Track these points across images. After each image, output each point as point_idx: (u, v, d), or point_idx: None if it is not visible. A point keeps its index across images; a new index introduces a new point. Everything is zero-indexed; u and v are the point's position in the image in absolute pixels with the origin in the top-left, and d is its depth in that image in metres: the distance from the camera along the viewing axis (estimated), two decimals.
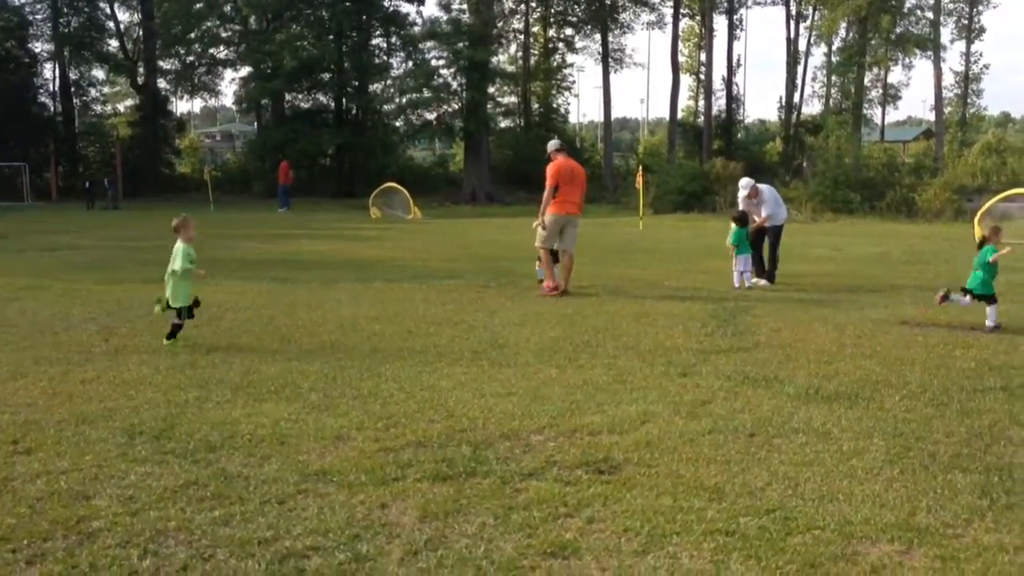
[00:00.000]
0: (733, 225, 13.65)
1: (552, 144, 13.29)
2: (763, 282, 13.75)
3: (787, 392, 7.09)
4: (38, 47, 48.09)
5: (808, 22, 47.76)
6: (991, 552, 4.19)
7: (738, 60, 75.34)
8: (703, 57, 48.79)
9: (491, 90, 45.44)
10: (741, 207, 14.38)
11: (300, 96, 47.94)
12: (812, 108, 50.31)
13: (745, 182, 14.62)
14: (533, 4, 51.79)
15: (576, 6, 51.73)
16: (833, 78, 47.86)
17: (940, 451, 5.65)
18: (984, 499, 4.84)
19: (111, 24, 49.79)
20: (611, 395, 6.99)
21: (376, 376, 7.60)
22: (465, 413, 6.45)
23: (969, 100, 49.87)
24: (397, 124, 47.40)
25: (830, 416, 6.40)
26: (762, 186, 14.54)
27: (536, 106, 51.95)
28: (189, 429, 6.02)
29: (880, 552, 4.20)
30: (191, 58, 50.44)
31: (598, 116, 72.00)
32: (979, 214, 23.50)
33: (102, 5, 48.87)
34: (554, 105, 52.97)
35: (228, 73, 63.07)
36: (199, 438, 5.82)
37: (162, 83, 51.18)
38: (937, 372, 7.81)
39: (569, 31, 52.52)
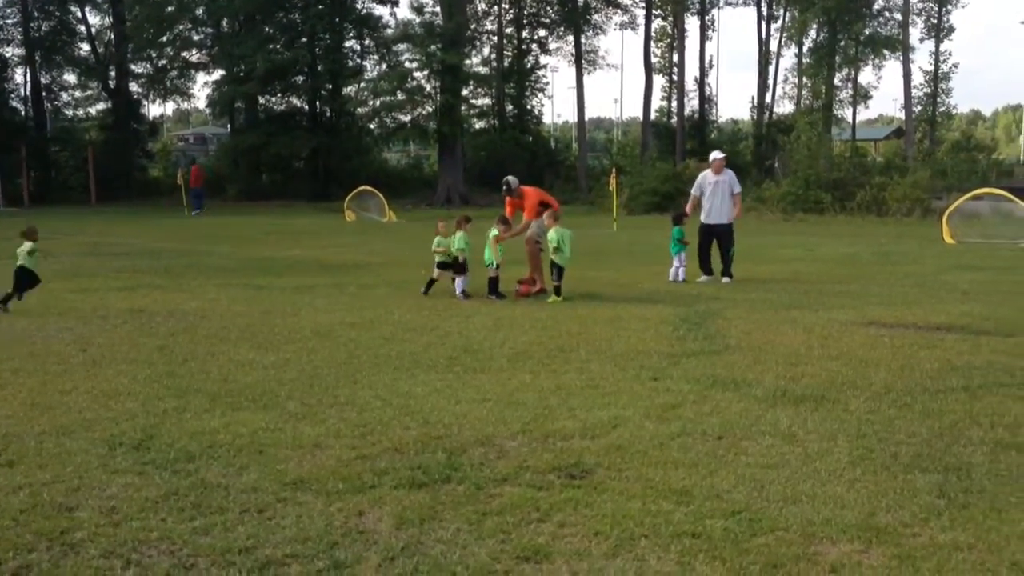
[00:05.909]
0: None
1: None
2: (726, 279, 14.46)
3: (755, 395, 7.25)
4: (8, 51, 47.77)
5: (779, 23, 48.11)
6: (946, 550, 4.36)
7: (710, 61, 75.86)
8: (675, 58, 48.95)
9: (465, 92, 45.48)
10: (699, 179, 15.00)
11: (273, 99, 47.84)
12: (784, 108, 50.62)
13: (720, 153, 15.26)
14: (506, 6, 51.84)
15: (549, 8, 51.80)
16: (804, 79, 48.22)
17: (902, 452, 5.82)
18: (942, 498, 5.02)
19: (82, 28, 49.48)
20: (583, 400, 7.13)
21: (353, 383, 7.71)
22: (440, 420, 6.56)
23: (939, 99, 50.24)
24: (371, 127, 47.40)
25: (796, 418, 6.57)
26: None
27: (510, 107, 52.00)
28: (168, 439, 6.11)
29: (840, 552, 4.36)
30: (163, 61, 50.15)
31: (572, 117, 72.21)
32: (947, 212, 23.81)
33: (73, 9, 48.53)
34: (528, 106, 53.05)
35: (200, 76, 62.60)
36: (179, 448, 5.91)
37: (134, 87, 50.96)
38: (901, 373, 7.99)
39: (542, 32, 52.49)
